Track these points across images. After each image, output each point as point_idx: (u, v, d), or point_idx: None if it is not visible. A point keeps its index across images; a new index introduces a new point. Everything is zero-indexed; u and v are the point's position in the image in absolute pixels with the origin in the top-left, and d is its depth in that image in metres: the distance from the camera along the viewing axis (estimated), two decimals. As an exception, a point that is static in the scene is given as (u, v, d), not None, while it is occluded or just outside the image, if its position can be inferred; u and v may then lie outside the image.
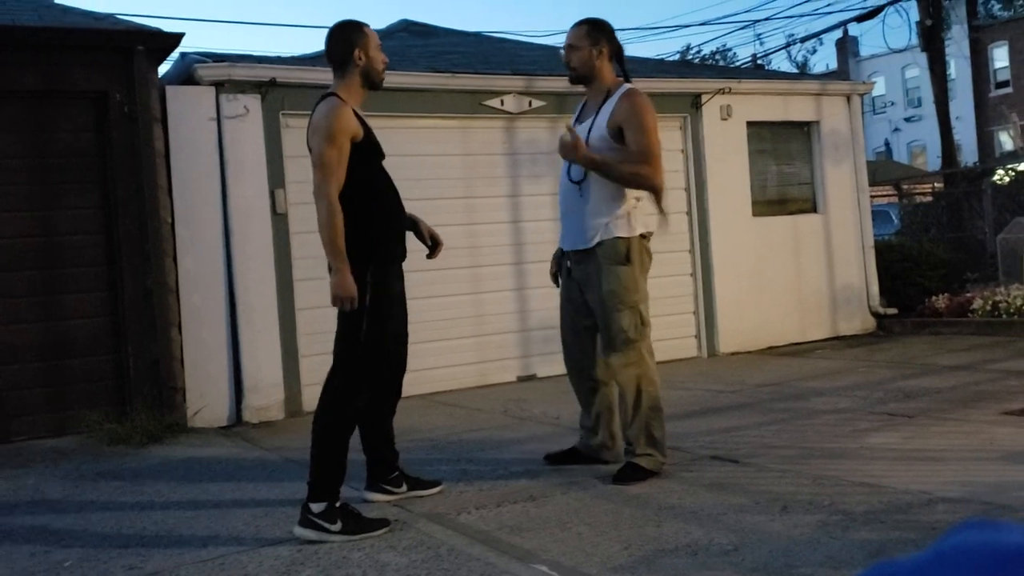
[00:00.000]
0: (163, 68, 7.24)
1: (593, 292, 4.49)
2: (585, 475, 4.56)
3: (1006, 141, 32.44)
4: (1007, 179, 16.28)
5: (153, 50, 6.75)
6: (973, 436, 4.94)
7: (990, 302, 9.46)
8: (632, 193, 4.47)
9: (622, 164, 4.39)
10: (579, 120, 4.65)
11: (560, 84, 7.60)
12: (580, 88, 4.76)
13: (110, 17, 7.22)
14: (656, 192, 4.45)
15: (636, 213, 4.46)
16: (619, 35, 4.69)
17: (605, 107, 4.48)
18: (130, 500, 4.74)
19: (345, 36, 4.07)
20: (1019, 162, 16.23)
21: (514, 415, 6.49)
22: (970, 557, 0.55)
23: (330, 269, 4.05)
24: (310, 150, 4.02)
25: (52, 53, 6.48)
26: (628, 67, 4.68)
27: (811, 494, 3.99)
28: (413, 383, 6.72)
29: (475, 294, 8.02)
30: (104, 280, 6.69)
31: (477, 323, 8.02)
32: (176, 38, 6.82)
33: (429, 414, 6.70)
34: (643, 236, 4.48)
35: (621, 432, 4.67)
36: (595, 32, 4.55)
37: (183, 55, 7.33)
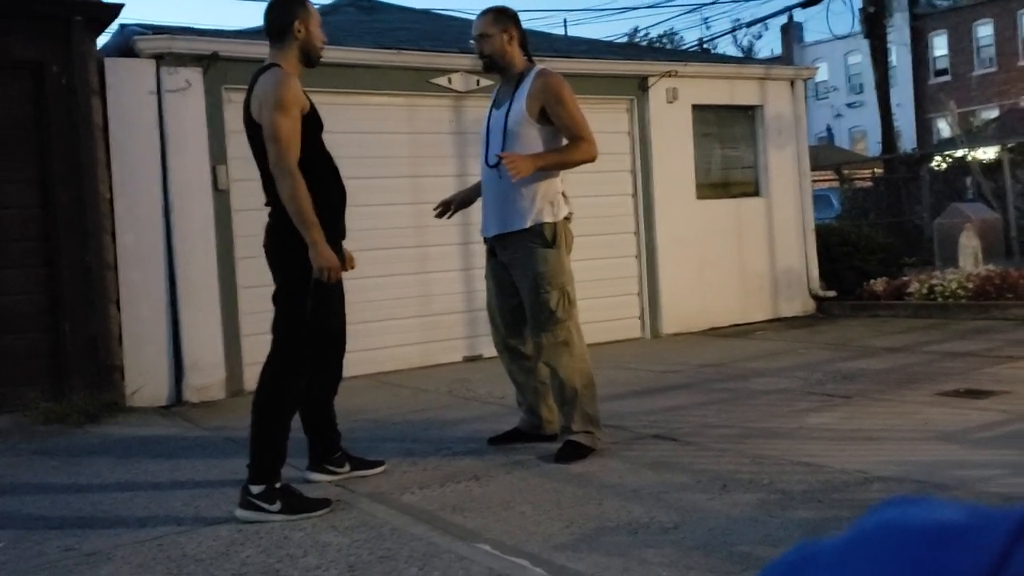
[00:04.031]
0: (102, 40, 7.08)
1: (520, 275, 4.53)
2: (528, 454, 4.57)
3: (944, 128, 33.08)
4: (944, 165, 16.63)
5: (91, 21, 6.58)
6: (908, 417, 5.04)
7: (926, 286, 9.66)
8: (555, 177, 4.51)
9: (563, 153, 4.47)
10: (496, 106, 4.68)
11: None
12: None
13: (46, -14, 7.01)
14: (593, 160, 4.53)
15: (559, 197, 4.52)
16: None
17: (520, 90, 4.51)
18: (66, 480, 4.65)
19: (286, 7, 4.00)
20: (956, 149, 16.55)
21: (459, 395, 6.49)
22: (893, 533, 0.56)
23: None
24: (250, 123, 3.93)
25: (-15, 22, 6.29)
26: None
27: (751, 473, 4.04)
28: (358, 363, 6.69)
29: (421, 274, 7.99)
30: (40, 255, 6.54)
31: (423, 303, 7.99)
32: (115, 9, 6.66)
33: (374, 394, 6.67)
34: (565, 219, 4.55)
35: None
36: (503, 19, 4.58)
37: (123, 26, 7.16)
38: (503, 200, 4.51)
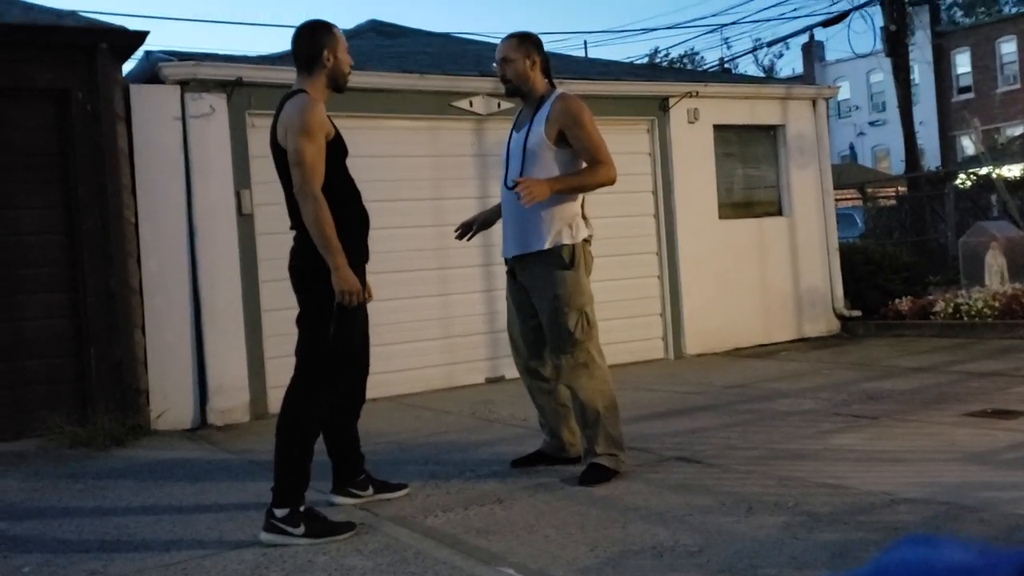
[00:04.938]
0: (127, 67, 7.17)
1: (539, 297, 4.52)
2: (552, 477, 4.56)
3: (968, 146, 32.88)
4: (969, 183, 16.52)
5: (117, 48, 6.67)
6: (935, 437, 4.99)
7: (952, 305, 9.58)
8: (574, 199, 4.50)
9: (580, 176, 4.47)
10: (516, 129, 4.70)
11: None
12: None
13: (73, 14, 7.12)
14: (612, 184, 4.52)
15: (578, 219, 4.51)
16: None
17: (540, 113, 4.52)
18: (91, 504, 4.67)
19: (315, 36, 4.04)
20: (980, 167, 16.44)
21: (482, 417, 6.48)
22: (906, 573, 0.56)
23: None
24: (276, 148, 3.97)
25: (13, 50, 6.38)
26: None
27: (776, 495, 4.01)
28: (381, 385, 6.69)
29: (443, 296, 8.00)
30: (66, 281, 6.60)
31: (445, 325, 8.00)
32: (140, 36, 6.74)
33: (396, 416, 6.67)
34: (585, 241, 4.54)
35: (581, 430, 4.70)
36: (526, 44, 4.59)
37: (147, 53, 7.25)
38: (522, 222, 4.51)
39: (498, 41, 4.75)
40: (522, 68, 4.55)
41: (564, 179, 4.43)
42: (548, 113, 4.48)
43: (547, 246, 4.45)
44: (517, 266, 4.63)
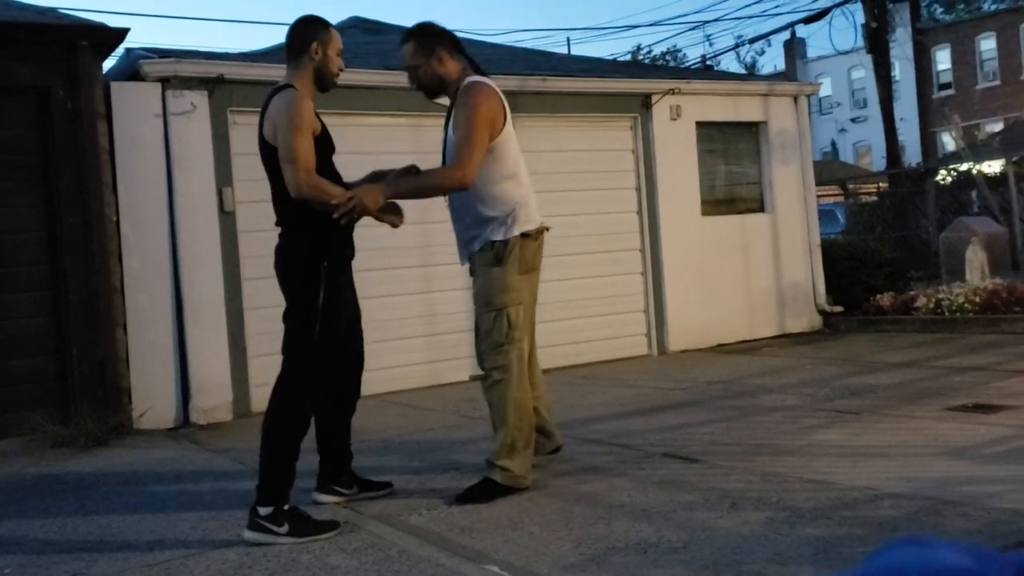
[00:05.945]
0: (108, 64, 7.12)
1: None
2: (534, 473, 4.55)
3: (949, 142, 33.04)
4: (950, 179, 16.62)
5: (97, 45, 6.62)
6: (917, 432, 5.02)
7: (933, 300, 9.63)
8: (511, 196, 4.28)
9: (422, 178, 4.22)
10: (444, 131, 4.48)
11: (511, 83, 7.60)
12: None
13: (53, 11, 7.08)
14: (464, 188, 4.13)
15: (518, 214, 4.26)
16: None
17: (454, 110, 4.29)
18: (74, 504, 4.65)
19: (307, 28, 4.04)
20: (961, 163, 16.55)
21: (466, 415, 6.48)
22: (898, 575, 0.56)
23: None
24: (263, 143, 3.93)
25: (-8, 47, 6.34)
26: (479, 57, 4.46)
27: (759, 491, 4.03)
28: (364, 383, 6.57)
29: (427, 293, 7.99)
30: (47, 279, 6.55)
31: (429, 322, 7.99)
32: (121, 33, 6.70)
33: (381, 414, 6.66)
34: (526, 235, 4.26)
35: (553, 425, 4.69)
36: (427, 42, 4.27)
37: (128, 51, 7.20)
38: (462, 228, 4.39)
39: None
40: (431, 70, 4.28)
41: (401, 183, 4.16)
42: (457, 109, 4.25)
43: (478, 246, 4.30)
44: (470, 271, 4.51)
